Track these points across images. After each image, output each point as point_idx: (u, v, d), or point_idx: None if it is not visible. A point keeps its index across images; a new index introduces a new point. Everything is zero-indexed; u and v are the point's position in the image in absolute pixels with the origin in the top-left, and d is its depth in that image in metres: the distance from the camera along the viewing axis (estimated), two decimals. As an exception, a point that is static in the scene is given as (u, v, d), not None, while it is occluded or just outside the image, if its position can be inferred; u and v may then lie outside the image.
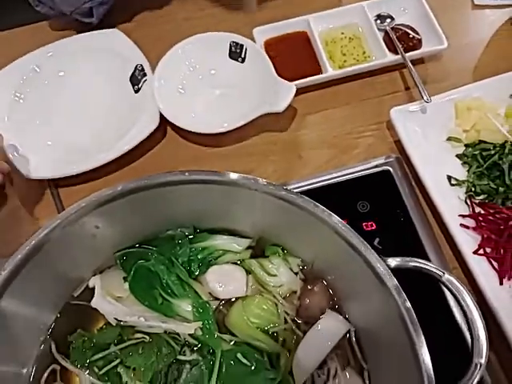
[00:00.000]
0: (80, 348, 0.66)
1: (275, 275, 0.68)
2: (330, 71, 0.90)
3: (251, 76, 0.92)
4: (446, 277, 0.57)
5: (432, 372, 0.50)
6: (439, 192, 0.75)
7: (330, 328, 0.64)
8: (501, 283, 0.69)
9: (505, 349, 0.67)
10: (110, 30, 0.98)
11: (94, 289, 0.69)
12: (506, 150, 0.75)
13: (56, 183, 0.87)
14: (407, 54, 0.90)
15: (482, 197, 0.76)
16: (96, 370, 0.65)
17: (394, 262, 0.58)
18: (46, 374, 0.65)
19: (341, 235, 0.58)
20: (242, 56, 0.94)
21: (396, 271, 0.56)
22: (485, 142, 0.78)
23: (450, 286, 0.57)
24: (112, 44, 0.96)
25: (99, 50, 0.97)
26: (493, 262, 0.71)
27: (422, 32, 0.94)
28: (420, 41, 0.93)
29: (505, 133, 0.77)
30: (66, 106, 0.94)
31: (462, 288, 0.56)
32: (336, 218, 0.58)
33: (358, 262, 0.58)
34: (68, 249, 0.66)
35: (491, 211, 0.73)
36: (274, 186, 0.60)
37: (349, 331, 0.65)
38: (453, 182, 0.77)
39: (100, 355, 0.65)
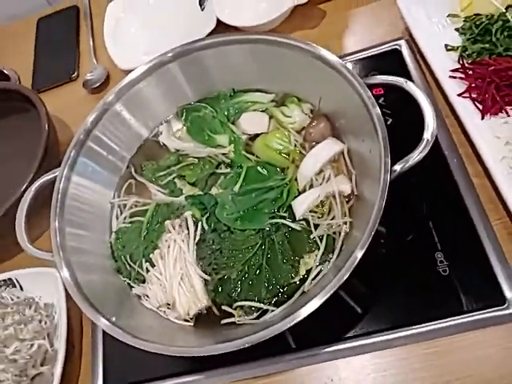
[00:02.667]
0: (150, 169, 0.93)
1: (290, 116, 0.89)
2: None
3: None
4: (408, 83, 0.73)
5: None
6: (435, 56, 0.89)
7: (328, 146, 0.83)
8: (482, 118, 0.82)
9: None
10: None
11: (162, 132, 0.97)
12: (495, 17, 0.88)
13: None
14: None
15: (471, 59, 0.88)
16: (160, 182, 0.91)
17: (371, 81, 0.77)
18: (125, 185, 0.93)
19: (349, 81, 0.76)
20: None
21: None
22: (479, 15, 0.90)
23: (411, 90, 0.73)
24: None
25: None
26: (477, 104, 0.83)
27: None
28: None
29: (496, 4, 0.89)
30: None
31: (418, 90, 0.72)
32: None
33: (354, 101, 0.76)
34: (150, 103, 0.95)
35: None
36: (314, 46, 0.80)
37: (343, 150, 0.83)
38: (448, 47, 0.90)
39: (163, 173, 0.92)
